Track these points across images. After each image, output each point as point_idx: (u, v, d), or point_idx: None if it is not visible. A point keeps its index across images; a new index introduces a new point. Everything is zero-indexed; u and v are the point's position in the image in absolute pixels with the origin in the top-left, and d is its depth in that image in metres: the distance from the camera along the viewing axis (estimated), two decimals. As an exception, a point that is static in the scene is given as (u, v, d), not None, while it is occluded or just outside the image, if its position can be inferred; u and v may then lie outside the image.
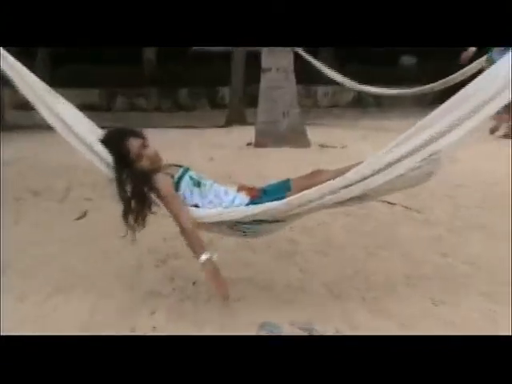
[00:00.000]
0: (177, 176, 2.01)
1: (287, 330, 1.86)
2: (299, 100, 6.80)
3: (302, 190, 1.84)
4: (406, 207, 3.41)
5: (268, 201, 1.89)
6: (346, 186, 1.74)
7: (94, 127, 2.11)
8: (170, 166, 2.09)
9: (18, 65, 2.06)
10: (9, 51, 2.03)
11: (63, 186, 4.14)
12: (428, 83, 7.79)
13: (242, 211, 1.91)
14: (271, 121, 6.44)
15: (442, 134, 1.62)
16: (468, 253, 2.62)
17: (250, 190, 2.05)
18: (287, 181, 2.06)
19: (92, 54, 10.92)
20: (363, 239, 2.87)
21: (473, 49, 6.30)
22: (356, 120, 9.55)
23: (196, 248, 1.89)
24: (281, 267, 2.51)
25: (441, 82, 7.43)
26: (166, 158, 2.11)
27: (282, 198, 1.87)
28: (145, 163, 1.97)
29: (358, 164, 1.79)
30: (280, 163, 4.98)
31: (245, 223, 1.94)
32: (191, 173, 2.06)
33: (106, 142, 2.00)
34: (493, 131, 6.29)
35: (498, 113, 1.88)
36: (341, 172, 1.81)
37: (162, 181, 1.96)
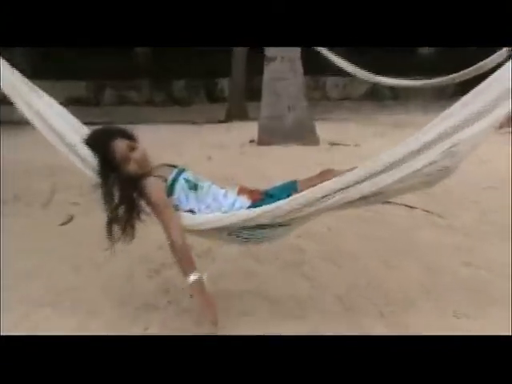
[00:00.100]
0: (170, 178, 1.98)
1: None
2: (307, 92, 6.82)
3: (310, 192, 1.83)
4: (427, 211, 3.41)
5: (272, 204, 1.88)
6: (356, 183, 1.71)
7: (78, 124, 2.10)
8: (163, 166, 2.07)
9: None
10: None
11: (47, 188, 4.15)
12: (449, 74, 7.81)
13: (243, 214, 1.89)
14: (276, 116, 6.45)
15: (461, 127, 1.62)
16: (494, 261, 2.62)
17: (251, 193, 2.03)
18: (294, 182, 2.05)
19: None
20: (378, 246, 2.87)
21: None
22: (370, 114, 9.58)
23: (185, 266, 1.85)
24: (287, 278, 2.51)
25: (462, 72, 7.44)
26: (159, 157, 2.09)
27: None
28: (132, 167, 1.94)
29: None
30: (285, 163, 4.99)
31: (247, 229, 1.92)
32: (187, 174, 2.03)
33: (89, 143, 1.98)
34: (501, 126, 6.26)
35: None
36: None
37: (153, 186, 1.93)
